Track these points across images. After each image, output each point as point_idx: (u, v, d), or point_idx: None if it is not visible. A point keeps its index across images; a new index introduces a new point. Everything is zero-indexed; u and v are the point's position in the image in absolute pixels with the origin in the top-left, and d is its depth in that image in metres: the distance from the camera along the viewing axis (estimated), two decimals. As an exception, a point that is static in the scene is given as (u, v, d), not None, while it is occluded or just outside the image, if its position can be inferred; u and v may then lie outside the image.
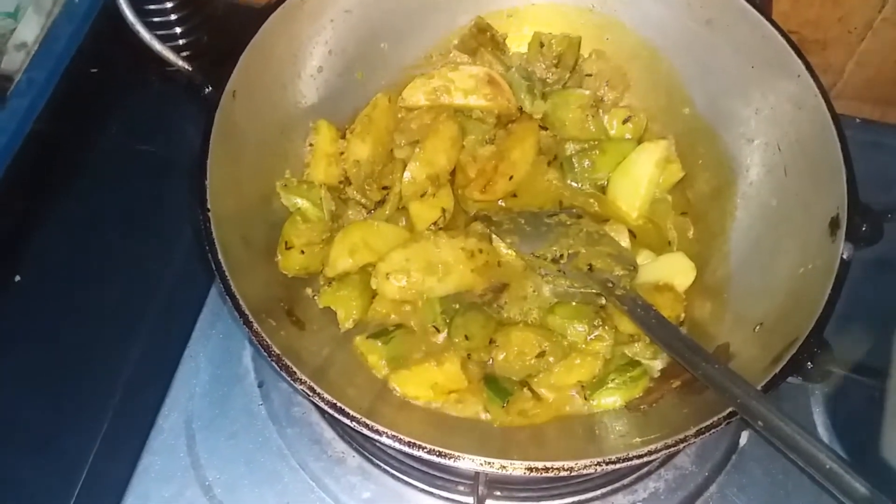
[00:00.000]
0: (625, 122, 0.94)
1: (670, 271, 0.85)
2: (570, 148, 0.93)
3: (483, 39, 0.95)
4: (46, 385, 0.92)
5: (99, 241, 1.01)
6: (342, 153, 0.90)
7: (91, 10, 1.14)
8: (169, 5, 1.08)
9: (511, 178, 0.90)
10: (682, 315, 0.84)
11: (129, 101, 1.15)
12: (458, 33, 0.96)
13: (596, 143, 0.92)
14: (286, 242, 0.84)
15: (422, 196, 0.88)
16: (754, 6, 0.84)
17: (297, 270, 0.84)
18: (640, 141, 0.93)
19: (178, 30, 1.10)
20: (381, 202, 0.88)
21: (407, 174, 0.87)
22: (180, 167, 1.02)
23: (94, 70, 1.14)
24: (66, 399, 0.91)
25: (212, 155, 0.74)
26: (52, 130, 1.07)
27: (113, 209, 1.04)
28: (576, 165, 0.92)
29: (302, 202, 0.86)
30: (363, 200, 0.88)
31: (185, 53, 1.07)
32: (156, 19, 1.08)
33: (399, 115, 0.93)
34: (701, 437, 0.66)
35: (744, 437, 0.86)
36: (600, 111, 0.94)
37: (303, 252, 0.84)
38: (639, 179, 0.89)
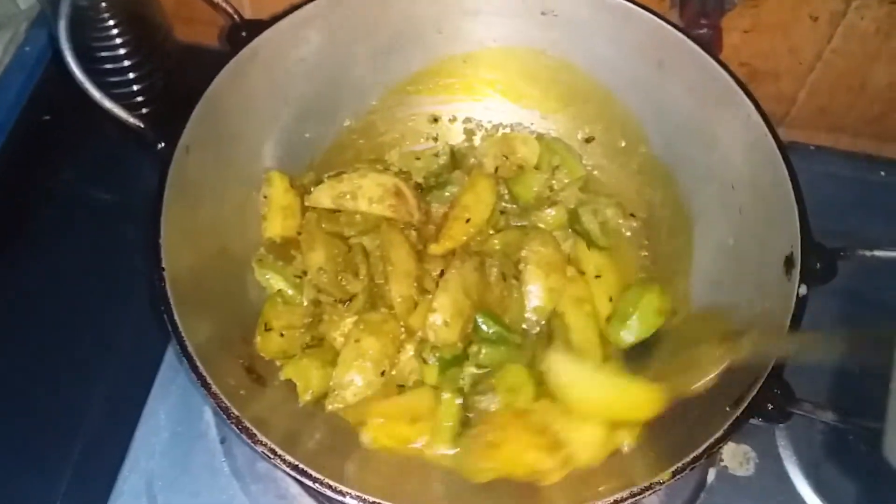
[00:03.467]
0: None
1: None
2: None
3: None
4: (-1, 446, 0.90)
5: (53, 294, 0.99)
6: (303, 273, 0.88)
7: (42, 57, 1.13)
8: (121, 51, 1.06)
9: (468, 220, 0.89)
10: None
11: (83, 148, 1.12)
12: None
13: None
14: (265, 324, 0.83)
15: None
16: (702, 46, 0.85)
17: (275, 353, 0.82)
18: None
19: (131, 75, 1.08)
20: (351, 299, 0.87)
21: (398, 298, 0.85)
22: (136, 214, 0.99)
23: (47, 117, 1.12)
24: (20, 461, 0.88)
25: (166, 211, 0.73)
26: (4, 179, 1.05)
27: (67, 260, 1.02)
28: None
29: (273, 278, 0.85)
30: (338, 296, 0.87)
31: (139, 98, 1.09)
32: (108, 66, 1.06)
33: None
34: (663, 485, 0.66)
35: (711, 474, 0.86)
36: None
37: (282, 335, 0.83)
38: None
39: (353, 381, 0.81)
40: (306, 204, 0.91)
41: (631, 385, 0.76)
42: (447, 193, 0.93)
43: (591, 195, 0.93)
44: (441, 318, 0.81)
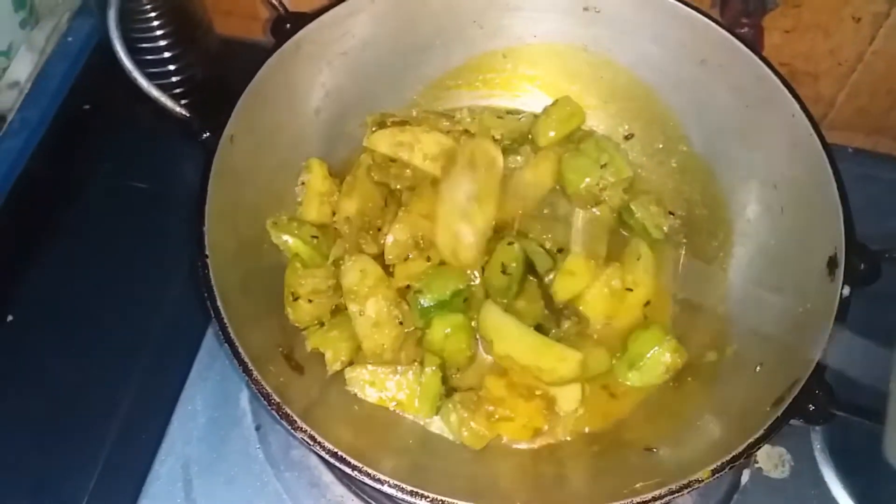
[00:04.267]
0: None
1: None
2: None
3: None
4: (38, 429, 0.90)
5: (93, 282, 1.00)
6: (334, 214, 0.90)
7: (85, 48, 1.14)
8: (162, 43, 1.07)
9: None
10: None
11: (122, 138, 1.14)
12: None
13: None
14: (291, 294, 0.83)
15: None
16: (745, 43, 0.84)
17: (309, 321, 0.83)
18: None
19: (171, 67, 1.10)
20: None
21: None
22: (175, 204, 1.00)
23: (88, 107, 1.13)
24: (58, 444, 0.89)
25: (209, 200, 0.74)
26: (46, 169, 1.07)
27: (107, 248, 1.03)
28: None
29: (291, 241, 0.85)
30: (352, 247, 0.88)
31: (178, 90, 1.10)
32: (148, 57, 1.07)
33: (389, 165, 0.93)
34: (701, 483, 0.65)
35: (745, 476, 0.86)
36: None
37: (310, 301, 0.83)
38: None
39: (383, 344, 0.83)
40: (364, 144, 0.93)
41: (550, 348, 0.82)
42: (510, 162, 0.93)
43: (633, 193, 0.93)
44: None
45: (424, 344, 0.84)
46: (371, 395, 0.81)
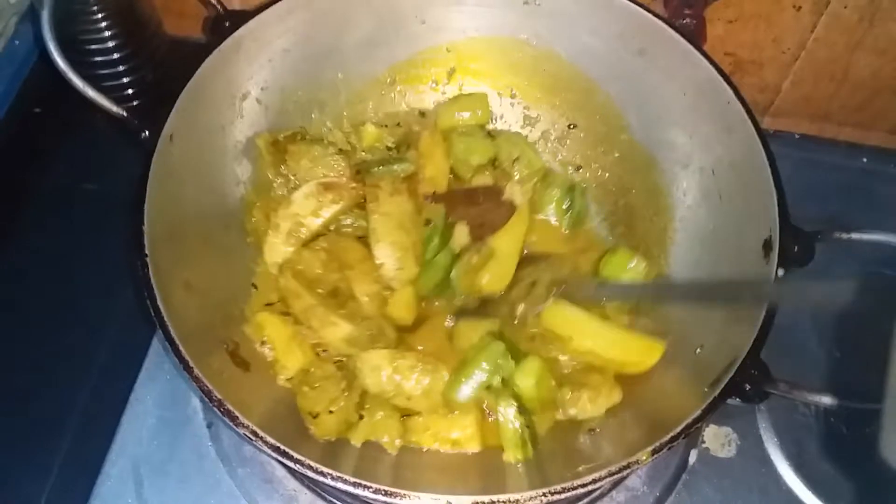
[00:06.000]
0: None
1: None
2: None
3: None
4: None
5: (44, 283, 1.00)
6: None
7: (32, 51, 1.14)
8: (111, 44, 1.07)
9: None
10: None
11: (74, 140, 1.13)
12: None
13: None
14: (309, 413, 0.79)
15: None
16: (684, 35, 0.86)
17: (339, 432, 0.79)
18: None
19: (121, 67, 1.09)
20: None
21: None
22: (125, 205, 1.00)
23: (38, 110, 1.13)
24: (10, 449, 0.89)
25: (150, 199, 0.74)
26: (-4, 172, 1.06)
27: (58, 249, 1.03)
28: None
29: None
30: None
31: (129, 91, 1.10)
32: (98, 58, 1.07)
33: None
34: (640, 465, 0.66)
35: (693, 456, 0.87)
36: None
37: (331, 412, 0.79)
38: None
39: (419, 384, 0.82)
40: (272, 271, 0.89)
41: (635, 341, 0.83)
42: (396, 168, 0.93)
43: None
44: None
45: (516, 395, 0.81)
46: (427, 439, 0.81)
